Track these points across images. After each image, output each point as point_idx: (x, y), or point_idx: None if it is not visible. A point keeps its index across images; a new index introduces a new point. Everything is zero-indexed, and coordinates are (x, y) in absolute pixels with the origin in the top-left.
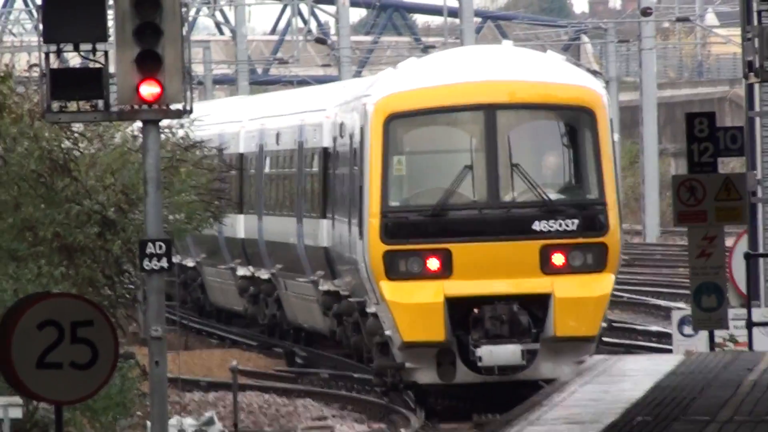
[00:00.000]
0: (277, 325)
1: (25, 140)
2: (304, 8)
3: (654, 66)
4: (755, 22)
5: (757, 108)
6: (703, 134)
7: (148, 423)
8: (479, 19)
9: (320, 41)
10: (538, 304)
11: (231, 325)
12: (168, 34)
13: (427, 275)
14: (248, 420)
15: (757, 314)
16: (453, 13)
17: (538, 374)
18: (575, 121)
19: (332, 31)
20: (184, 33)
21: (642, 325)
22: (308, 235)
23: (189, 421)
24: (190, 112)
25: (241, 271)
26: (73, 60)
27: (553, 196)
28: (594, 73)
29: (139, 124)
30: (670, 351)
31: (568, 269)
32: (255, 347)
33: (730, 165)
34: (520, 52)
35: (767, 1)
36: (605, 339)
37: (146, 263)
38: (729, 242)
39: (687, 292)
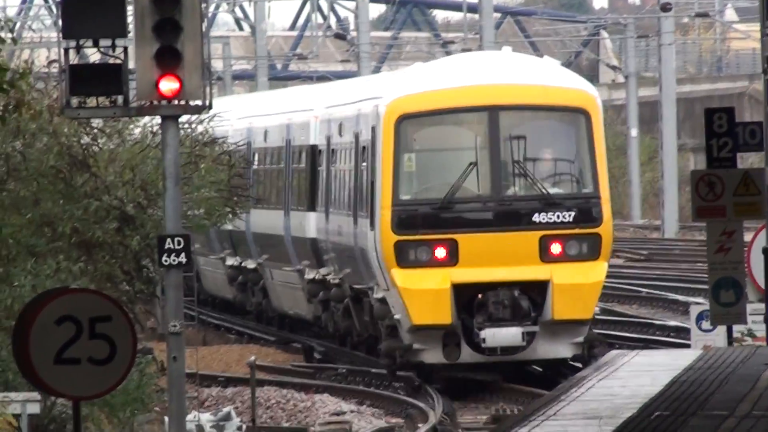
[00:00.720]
0: (263, 312)
1: (44, 136)
2: (324, 4)
3: (673, 61)
4: None
5: None
6: (722, 129)
7: (166, 418)
8: (499, 15)
9: (340, 37)
10: (537, 290)
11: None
12: (187, 29)
13: (435, 263)
14: (266, 415)
15: None
16: (473, 8)
17: (536, 354)
18: (572, 122)
19: (352, 26)
20: (204, 29)
21: (660, 320)
22: (295, 227)
23: (207, 417)
24: (210, 107)
25: (230, 261)
26: (93, 56)
27: (552, 190)
28: (613, 68)
29: (158, 119)
30: (688, 346)
31: (564, 258)
32: (273, 342)
33: (749, 160)
34: (520, 58)
35: None
36: (623, 334)
37: (165, 258)
38: (747, 237)
39: (705, 287)
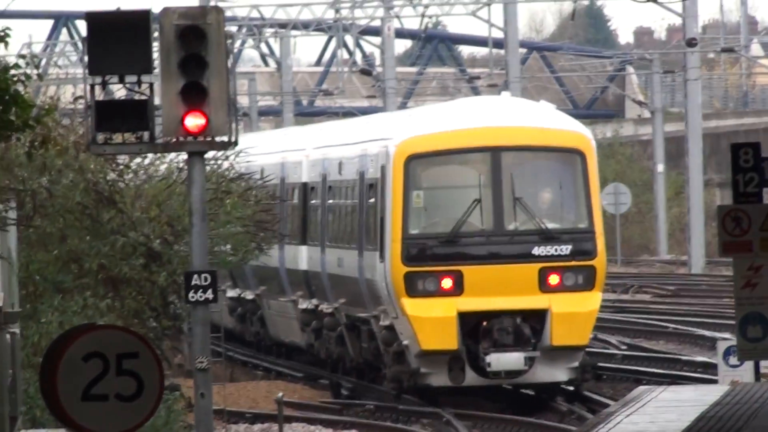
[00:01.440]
0: (261, 340)
1: (70, 172)
2: (350, 39)
3: (699, 96)
4: None
5: None
6: (748, 164)
7: None
8: (524, 50)
9: (365, 72)
10: (537, 318)
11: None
12: (213, 65)
13: (442, 293)
14: None
15: None
16: (498, 44)
17: (535, 378)
18: (568, 161)
19: (377, 62)
20: (230, 65)
21: (687, 356)
22: (289, 260)
23: None
24: (236, 144)
25: (230, 293)
26: (119, 92)
27: (550, 225)
28: (639, 103)
29: (183, 155)
30: (715, 381)
31: (562, 288)
32: (300, 379)
33: None
34: (519, 102)
35: None
36: (650, 369)
37: (191, 295)
38: None
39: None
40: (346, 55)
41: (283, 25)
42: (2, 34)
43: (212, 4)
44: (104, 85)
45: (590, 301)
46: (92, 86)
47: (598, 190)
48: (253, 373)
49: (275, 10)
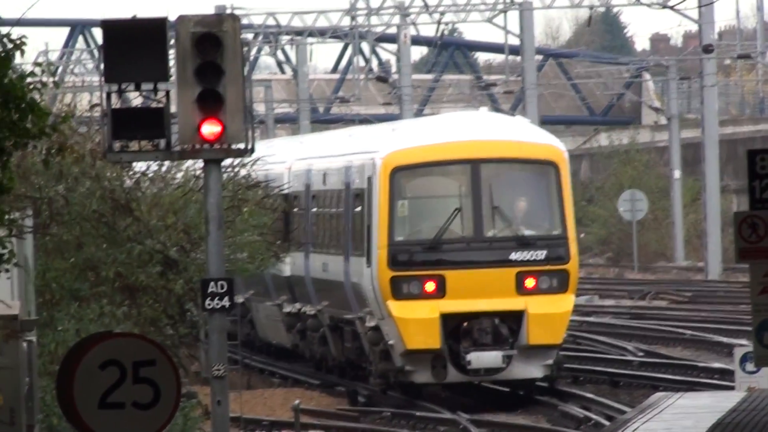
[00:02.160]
0: (252, 341)
1: (86, 180)
2: (366, 47)
3: (716, 103)
4: None
5: None
6: (764, 171)
7: None
8: (541, 57)
9: (381, 80)
10: (514, 319)
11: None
12: (229, 73)
13: (425, 296)
14: None
15: None
16: (515, 50)
17: (512, 375)
18: (543, 172)
19: (393, 69)
20: (246, 72)
21: (704, 362)
22: (273, 267)
23: None
24: (252, 151)
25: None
26: (135, 100)
27: (526, 232)
28: (656, 110)
29: (200, 163)
30: (732, 388)
31: (538, 291)
32: (317, 386)
33: None
34: (497, 117)
35: None
36: (667, 376)
37: (208, 302)
38: None
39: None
40: (362, 63)
41: (299, 33)
42: (19, 42)
43: (228, 11)
44: (120, 92)
45: (564, 303)
46: (108, 94)
47: (571, 199)
48: (270, 380)
49: (291, 18)
